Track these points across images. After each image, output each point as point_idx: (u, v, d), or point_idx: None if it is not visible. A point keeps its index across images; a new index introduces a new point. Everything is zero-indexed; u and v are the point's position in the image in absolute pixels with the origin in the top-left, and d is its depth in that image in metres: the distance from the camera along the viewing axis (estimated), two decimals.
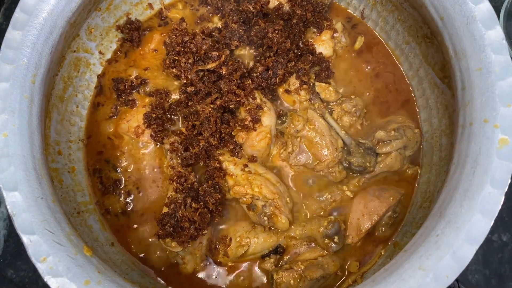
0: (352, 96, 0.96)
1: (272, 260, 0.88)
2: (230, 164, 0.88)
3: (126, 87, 0.96)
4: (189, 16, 1.04)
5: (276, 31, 0.90)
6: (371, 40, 1.02)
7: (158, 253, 0.90)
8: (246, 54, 0.95)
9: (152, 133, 0.92)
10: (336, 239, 0.86)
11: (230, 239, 0.87)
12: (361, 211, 0.88)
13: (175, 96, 0.96)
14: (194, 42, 0.90)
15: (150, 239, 0.91)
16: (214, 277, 0.89)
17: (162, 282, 0.89)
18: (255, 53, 0.95)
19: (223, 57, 0.87)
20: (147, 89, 0.97)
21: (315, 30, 0.97)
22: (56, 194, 0.74)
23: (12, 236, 1.03)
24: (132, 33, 1.00)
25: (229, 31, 0.91)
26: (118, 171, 0.94)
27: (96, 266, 0.68)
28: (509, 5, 1.05)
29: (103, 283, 0.66)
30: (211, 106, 0.87)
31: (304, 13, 0.94)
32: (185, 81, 0.90)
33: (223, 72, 0.88)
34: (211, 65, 0.87)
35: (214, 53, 0.88)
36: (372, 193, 0.89)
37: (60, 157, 0.88)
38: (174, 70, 0.91)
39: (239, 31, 0.91)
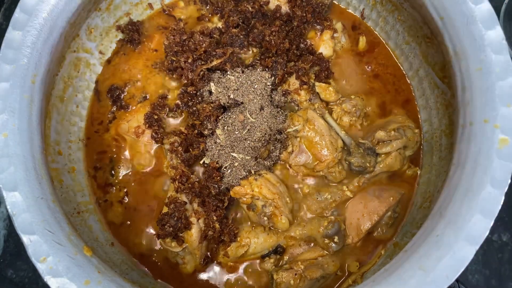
0: (352, 96, 0.95)
1: (272, 260, 0.88)
2: None
3: (119, 92, 0.97)
4: (193, 13, 1.03)
5: (273, 33, 0.90)
6: (371, 40, 1.02)
7: (158, 253, 0.90)
8: (246, 54, 0.95)
9: (153, 134, 0.92)
10: (336, 239, 0.86)
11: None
12: (361, 211, 0.88)
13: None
14: (192, 40, 0.90)
15: (150, 239, 0.91)
16: (214, 277, 0.89)
17: (162, 282, 0.89)
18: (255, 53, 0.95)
19: (228, 54, 0.87)
20: (136, 93, 0.97)
21: (315, 30, 0.97)
22: (56, 194, 0.74)
23: (12, 236, 1.03)
24: (132, 34, 0.99)
25: (230, 36, 0.91)
26: (117, 170, 0.94)
27: (96, 266, 0.68)
28: (509, 5, 1.05)
29: (103, 283, 0.66)
30: (211, 105, 0.87)
31: (304, 14, 0.94)
32: (185, 81, 0.90)
33: (227, 69, 0.88)
34: (216, 62, 0.87)
35: (219, 50, 0.88)
36: (372, 193, 0.89)
37: (60, 157, 0.88)
38: (173, 72, 0.91)
39: (239, 37, 0.91)
